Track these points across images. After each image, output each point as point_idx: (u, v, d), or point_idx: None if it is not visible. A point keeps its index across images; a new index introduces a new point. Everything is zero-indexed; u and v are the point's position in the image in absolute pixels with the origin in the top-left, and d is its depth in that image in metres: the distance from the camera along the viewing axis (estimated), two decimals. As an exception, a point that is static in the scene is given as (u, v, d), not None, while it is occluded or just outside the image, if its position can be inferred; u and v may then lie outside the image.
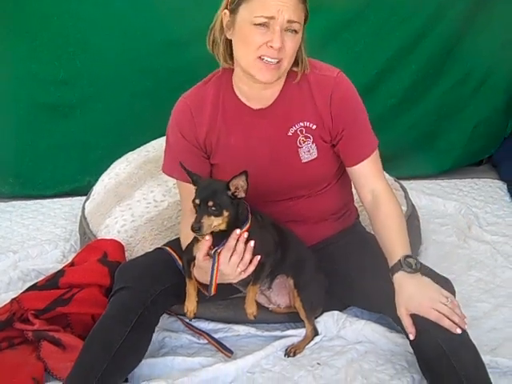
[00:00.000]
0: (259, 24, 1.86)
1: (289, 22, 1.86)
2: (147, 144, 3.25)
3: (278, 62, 1.91)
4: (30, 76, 3.56)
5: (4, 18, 3.45)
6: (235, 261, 1.87)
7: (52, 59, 3.54)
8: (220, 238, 1.88)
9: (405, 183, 3.16)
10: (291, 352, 2.11)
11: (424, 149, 3.81)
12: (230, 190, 1.84)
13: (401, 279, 1.90)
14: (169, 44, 3.51)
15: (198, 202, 1.83)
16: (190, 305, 2.00)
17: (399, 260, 1.92)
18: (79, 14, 3.47)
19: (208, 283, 1.93)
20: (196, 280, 1.99)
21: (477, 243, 2.88)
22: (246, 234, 1.87)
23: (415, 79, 3.68)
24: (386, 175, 3.05)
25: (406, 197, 2.93)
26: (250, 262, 1.89)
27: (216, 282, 1.91)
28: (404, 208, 2.77)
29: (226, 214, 1.84)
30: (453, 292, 1.96)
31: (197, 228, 1.80)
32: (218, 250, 1.88)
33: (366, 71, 3.63)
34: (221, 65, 2.06)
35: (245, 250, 1.88)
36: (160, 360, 2.08)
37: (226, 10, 1.94)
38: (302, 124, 2.05)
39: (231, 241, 1.87)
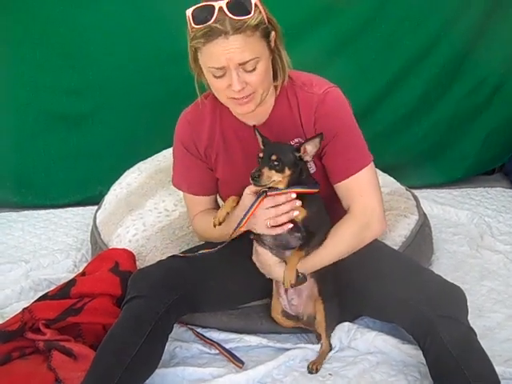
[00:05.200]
0: (214, 73, 1.87)
1: (241, 64, 1.84)
2: (158, 154, 3.26)
3: (250, 95, 1.91)
4: (41, 85, 3.58)
5: (16, 27, 3.46)
6: (271, 213, 1.92)
7: (64, 69, 3.55)
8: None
9: (416, 192, 3.14)
10: (314, 369, 2.08)
11: (436, 158, 3.79)
12: (299, 151, 1.91)
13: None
14: (179, 54, 3.44)
15: (261, 155, 1.89)
16: (221, 212, 2.00)
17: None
18: (91, 25, 3.49)
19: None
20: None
21: (489, 253, 2.85)
22: (298, 202, 1.92)
23: (427, 88, 3.66)
24: (397, 184, 3.08)
25: (418, 206, 2.91)
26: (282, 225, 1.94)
27: (248, 219, 1.95)
28: (415, 217, 2.76)
29: (287, 172, 1.89)
30: (464, 300, 1.95)
31: (256, 176, 1.85)
32: (267, 193, 1.92)
33: (376, 80, 3.63)
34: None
35: (286, 214, 1.92)
36: (171, 370, 2.08)
37: (193, 48, 1.91)
38: (296, 140, 2.04)
39: (282, 197, 1.92)
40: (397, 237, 2.59)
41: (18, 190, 3.72)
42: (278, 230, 1.95)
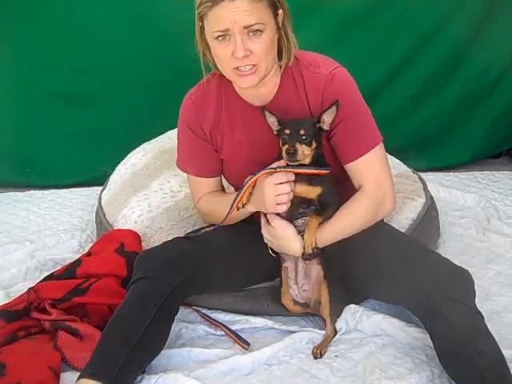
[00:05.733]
0: (218, 37, 1.86)
1: (246, 27, 1.83)
2: (163, 134, 3.25)
3: (253, 67, 1.89)
4: (46, 65, 3.57)
5: (21, 7, 3.45)
6: (281, 189, 1.91)
7: (68, 49, 3.54)
8: None
9: (423, 175, 3.12)
10: (318, 353, 2.07)
11: (443, 140, 3.77)
12: (318, 122, 1.94)
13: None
14: (185, 34, 3.43)
15: (288, 131, 1.90)
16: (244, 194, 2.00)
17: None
18: (96, 4, 3.47)
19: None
20: None
21: (496, 236, 2.84)
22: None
23: (435, 70, 3.63)
24: (404, 167, 3.06)
25: (425, 188, 2.89)
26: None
27: (244, 192, 1.98)
28: (422, 200, 2.75)
29: (314, 145, 1.91)
30: (472, 283, 1.93)
31: (292, 151, 1.87)
32: (280, 170, 1.92)
33: (384, 62, 3.61)
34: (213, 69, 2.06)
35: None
36: (177, 351, 2.07)
37: (200, 23, 1.92)
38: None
39: (292, 175, 1.93)
40: (404, 219, 2.58)
41: (22, 170, 3.72)
42: (284, 207, 1.95)
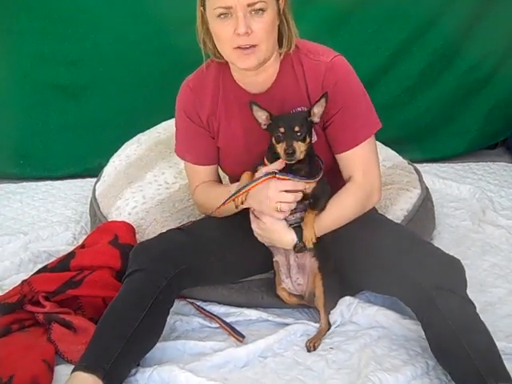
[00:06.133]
0: (220, 15, 1.85)
1: (249, 5, 1.82)
2: (158, 125, 3.23)
3: (253, 47, 1.88)
4: (39, 56, 3.54)
5: (16, 1, 3.42)
6: (286, 198, 1.91)
7: (62, 39, 3.51)
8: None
9: (418, 166, 3.10)
10: (311, 347, 2.06)
11: (438, 131, 3.75)
12: (310, 115, 1.93)
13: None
14: (180, 24, 3.43)
15: (282, 130, 1.88)
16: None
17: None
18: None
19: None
20: None
21: (491, 227, 2.83)
22: (313, 185, 1.94)
23: (431, 61, 3.61)
24: (399, 158, 3.05)
25: (420, 179, 2.88)
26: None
27: (246, 191, 1.96)
28: (418, 191, 2.74)
29: (307, 139, 1.90)
30: (463, 273, 1.93)
31: (291, 152, 1.85)
32: (280, 176, 1.91)
33: (379, 52, 3.58)
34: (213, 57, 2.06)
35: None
36: (171, 344, 2.07)
37: (201, 7, 1.93)
38: (299, 109, 2.02)
39: (301, 184, 1.93)
40: (398, 210, 2.57)
41: (16, 162, 3.68)
42: (281, 215, 1.95)
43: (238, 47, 1.88)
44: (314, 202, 1.98)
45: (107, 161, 3.12)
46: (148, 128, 3.24)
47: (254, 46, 1.88)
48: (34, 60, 3.54)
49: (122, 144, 3.17)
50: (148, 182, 2.76)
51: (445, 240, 2.74)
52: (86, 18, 3.47)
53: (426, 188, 2.84)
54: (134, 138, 3.16)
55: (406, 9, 3.50)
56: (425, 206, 2.70)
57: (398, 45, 3.59)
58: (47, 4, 3.44)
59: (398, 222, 2.46)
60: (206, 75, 2.10)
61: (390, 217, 2.39)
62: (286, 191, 1.92)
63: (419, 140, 3.71)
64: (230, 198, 1.98)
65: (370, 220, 2.11)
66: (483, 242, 2.74)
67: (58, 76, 3.60)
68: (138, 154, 2.98)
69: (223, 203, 2.01)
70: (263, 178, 1.93)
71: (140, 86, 3.63)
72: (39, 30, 3.48)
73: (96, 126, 3.68)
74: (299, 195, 1.94)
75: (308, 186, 1.94)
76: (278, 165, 1.93)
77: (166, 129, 3.11)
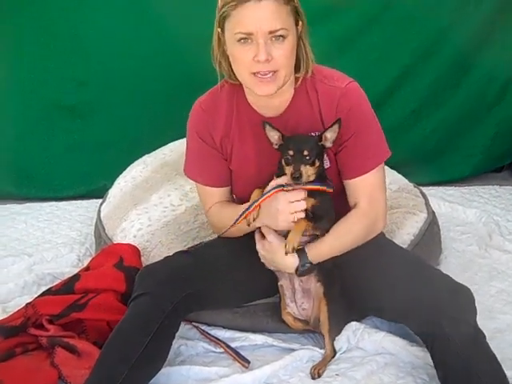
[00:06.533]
0: (240, 40, 1.83)
1: (271, 32, 1.81)
2: (164, 146, 3.23)
3: (273, 74, 1.87)
4: (46, 76, 3.55)
5: (22, 17, 3.43)
6: (300, 206, 1.90)
7: (69, 59, 3.52)
8: None
9: (424, 189, 3.10)
10: (316, 374, 2.04)
11: (444, 154, 3.76)
12: (320, 140, 1.92)
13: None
14: (187, 44, 3.48)
15: (291, 152, 1.88)
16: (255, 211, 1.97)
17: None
18: (96, 15, 3.46)
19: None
20: None
21: (498, 252, 2.82)
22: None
23: (436, 84, 3.63)
24: (405, 181, 3.04)
25: (427, 203, 2.87)
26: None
27: (256, 207, 1.95)
28: (424, 215, 2.73)
29: (317, 163, 1.90)
30: (472, 301, 1.91)
31: (297, 176, 1.85)
32: (289, 187, 1.90)
33: (384, 76, 3.60)
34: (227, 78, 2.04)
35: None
36: (176, 369, 2.05)
37: (218, 28, 1.91)
38: (312, 134, 2.00)
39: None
40: (405, 235, 2.56)
41: (20, 182, 3.68)
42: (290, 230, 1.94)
43: (257, 72, 1.86)
44: (314, 218, 1.95)
45: (112, 182, 3.11)
46: (154, 149, 3.24)
47: (273, 72, 1.86)
48: (40, 78, 3.55)
49: (128, 165, 3.16)
50: (153, 204, 2.75)
51: (451, 265, 2.72)
52: (92, 38, 3.48)
53: (433, 212, 2.83)
54: (140, 160, 3.16)
55: (411, 32, 3.52)
56: (431, 231, 2.68)
57: (404, 67, 3.61)
58: (54, 22, 3.46)
59: (405, 246, 2.45)
60: (219, 96, 2.08)
61: (396, 241, 2.37)
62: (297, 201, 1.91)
63: (425, 163, 3.70)
64: (242, 215, 1.97)
65: (378, 245, 2.09)
66: (490, 268, 2.71)
67: (64, 95, 3.60)
68: (143, 176, 2.98)
69: (235, 222, 1.99)
70: (272, 191, 1.92)
71: (146, 106, 3.63)
72: (45, 48, 3.49)
73: (101, 146, 3.68)
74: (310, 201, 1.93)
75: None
76: (287, 178, 1.92)
77: (173, 150, 3.11)
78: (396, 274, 2.00)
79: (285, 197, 1.91)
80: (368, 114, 2.03)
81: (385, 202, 2.07)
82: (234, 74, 1.97)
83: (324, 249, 1.98)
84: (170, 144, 3.21)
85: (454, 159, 3.76)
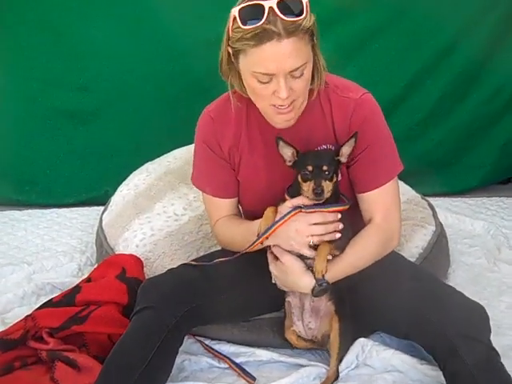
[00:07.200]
0: (259, 78, 1.76)
1: (291, 71, 1.74)
2: (168, 154, 3.18)
3: (292, 103, 1.82)
4: (48, 81, 3.54)
5: (25, 23, 3.42)
6: (318, 230, 1.84)
7: (72, 65, 3.51)
8: None
9: (430, 200, 3.05)
10: None
11: (451, 165, 3.72)
12: (337, 155, 1.87)
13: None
14: (191, 50, 3.48)
15: (310, 168, 1.82)
16: (264, 226, 1.90)
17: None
18: (100, 20, 3.45)
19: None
20: None
21: (507, 266, 2.76)
22: (341, 225, 1.86)
23: (444, 93, 3.60)
24: (413, 192, 2.99)
25: (434, 215, 2.82)
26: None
27: (274, 230, 1.87)
28: (432, 227, 2.68)
29: (334, 179, 1.85)
30: (486, 319, 1.86)
31: (319, 191, 1.79)
32: (307, 210, 1.84)
33: (393, 83, 3.57)
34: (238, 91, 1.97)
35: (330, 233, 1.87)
36: (180, 385, 2.00)
37: (228, 48, 1.80)
38: (324, 146, 1.96)
39: (331, 215, 1.86)
40: (413, 248, 2.51)
41: (21, 188, 3.66)
42: (313, 252, 1.87)
43: (274, 105, 1.81)
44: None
45: (114, 189, 3.07)
46: (156, 156, 3.20)
47: (292, 101, 1.81)
48: (42, 84, 3.54)
49: (130, 172, 3.12)
50: (157, 213, 2.70)
51: (460, 279, 2.66)
52: (95, 45, 3.48)
53: (441, 224, 2.78)
54: (143, 167, 3.11)
55: (420, 40, 3.50)
56: (440, 243, 2.63)
57: (411, 76, 3.58)
58: (56, 27, 3.45)
59: (413, 259, 2.40)
60: (228, 105, 2.01)
61: (404, 254, 2.32)
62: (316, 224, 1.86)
63: (431, 173, 3.67)
64: (259, 239, 1.90)
65: (388, 259, 2.03)
66: (499, 282, 2.66)
67: (66, 101, 3.59)
68: (146, 184, 2.93)
69: (251, 245, 1.92)
70: (290, 214, 1.86)
71: (149, 113, 3.61)
72: (48, 54, 3.49)
73: (103, 152, 3.66)
74: (330, 227, 1.86)
75: (337, 215, 1.88)
76: (304, 199, 1.86)
77: (176, 158, 3.07)
78: (407, 289, 1.94)
79: (305, 218, 1.85)
80: (382, 126, 1.98)
81: (399, 217, 2.02)
82: (245, 88, 1.89)
83: (340, 267, 1.91)
84: (173, 151, 3.17)
85: (462, 170, 3.72)
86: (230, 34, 1.75)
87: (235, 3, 1.78)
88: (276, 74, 1.72)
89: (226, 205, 2.12)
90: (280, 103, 1.79)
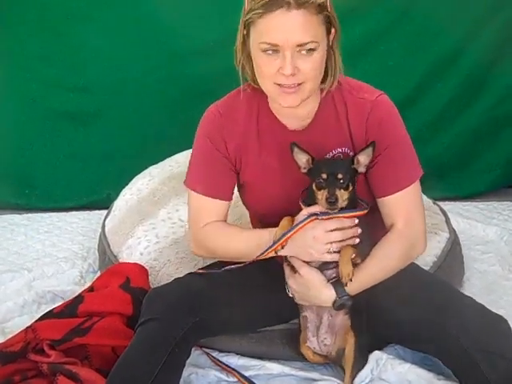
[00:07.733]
0: (266, 51, 1.70)
1: (299, 45, 1.68)
2: (171, 158, 3.13)
3: (298, 85, 1.74)
4: (48, 82, 3.52)
5: (24, 24, 3.40)
6: (336, 236, 1.77)
7: (72, 67, 3.49)
8: None
9: (440, 204, 2.97)
10: None
11: (461, 168, 3.66)
12: (353, 163, 1.81)
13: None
14: (192, 52, 3.47)
15: (325, 176, 1.75)
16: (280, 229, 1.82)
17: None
18: (101, 21, 3.42)
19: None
20: None
21: (523, 274, 2.68)
22: (356, 220, 1.79)
23: (453, 96, 3.54)
24: (424, 197, 2.90)
25: (447, 221, 2.74)
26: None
27: (288, 238, 1.79)
28: (446, 234, 2.60)
29: (350, 188, 1.78)
30: (509, 333, 1.78)
31: (333, 200, 1.73)
32: (323, 217, 1.77)
33: (401, 86, 3.50)
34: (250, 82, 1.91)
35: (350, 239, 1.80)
36: (186, 400, 1.92)
37: (244, 31, 1.77)
38: (339, 150, 1.89)
39: (348, 220, 1.79)
40: (427, 256, 2.41)
41: (21, 191, 3.61)
42: (336, 256, 1.79)
43: (281, 84, 1.74)
44: (355, 245, 1.83)
45: (116, 192, 3.02)
46: (158, 158, 3.15)
47: (298, 84, 1.74)
48: (42, 86, 3.52)
49: (132, 175, 3.07)
50: (161, 220, 2.62)
51: (474, 287, 2.58)
52: (95, 46, 3.45)
53: (454, 231, 2.70)
54: (146, 171, 3.05)
55: (427, 42, 3.46)
56: (454, 251, 2.55)
57: (420, 79, 3.54)
58: (56, 29, 3.42)
59: (427, 268, 2.32)
60: (238, 101, 1.93)
61: (418, 263, 2.22)
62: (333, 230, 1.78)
63: (441, 177, 3.59)
64: (273, 246, 1.81)
65: (404, 270, 1.95)
66: (515, 290, 2.58)
67: (67, 103, 3.56)
68: (150, 188, 2.86)
69: (263, 253, 1.83)
70: (306, 221, 1.78)
71: (151, 115, 3.58)
72: (48, 56, 3.47)
73: (104, 155, 3.62)
74: (349, 232, 1.79)
75: (355, 220, 1.80)
76: (319, 207, 1.79)
77: (180, 162, 3.00)
78: (425, 300, 1.86)
79: (322, 225, 1.77)
80: (400, 127, 1.91)
81: (424, 222, 1.93)
82: (255, 75, 1.83)
83: (362, 278, 1.83)
84: (175, 156, 3.11)
85: (472, 174, 3.66)
86: (245, 7, 1.72)
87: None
88: (282, 45, 1.67)
89: (217, 207, 1.99)
90: (284, 81, 1.73)
